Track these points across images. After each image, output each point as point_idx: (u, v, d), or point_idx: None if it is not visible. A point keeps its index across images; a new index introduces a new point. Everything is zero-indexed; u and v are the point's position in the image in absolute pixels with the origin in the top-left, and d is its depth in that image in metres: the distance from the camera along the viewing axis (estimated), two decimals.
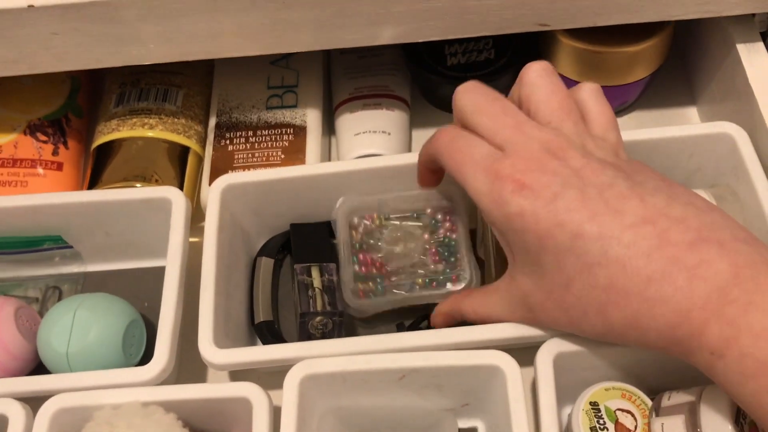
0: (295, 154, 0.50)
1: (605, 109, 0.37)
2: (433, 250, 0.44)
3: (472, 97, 0.37)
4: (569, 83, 0.51)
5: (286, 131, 0.51)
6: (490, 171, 0.34)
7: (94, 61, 0.44)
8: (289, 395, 0.37)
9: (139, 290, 0.48)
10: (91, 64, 0.44)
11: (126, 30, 0.42)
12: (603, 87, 0.50)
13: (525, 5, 0.42)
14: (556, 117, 0.35)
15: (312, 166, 0.47)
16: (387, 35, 0.44)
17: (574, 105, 0.36)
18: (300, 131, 0.51)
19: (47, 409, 0.38)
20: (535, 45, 0.53)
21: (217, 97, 0.54)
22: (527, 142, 0.34)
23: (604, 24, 0.44)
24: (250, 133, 0.51)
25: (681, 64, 0.56)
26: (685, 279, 0.30)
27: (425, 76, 0.53)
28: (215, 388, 0.39)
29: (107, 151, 0.51)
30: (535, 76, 0.36)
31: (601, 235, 0.31)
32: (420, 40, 0.44)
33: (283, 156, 0.50)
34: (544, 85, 0.36)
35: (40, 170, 0.52)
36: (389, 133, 0.51)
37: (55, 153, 0.52)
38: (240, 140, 0.51)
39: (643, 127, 0.47)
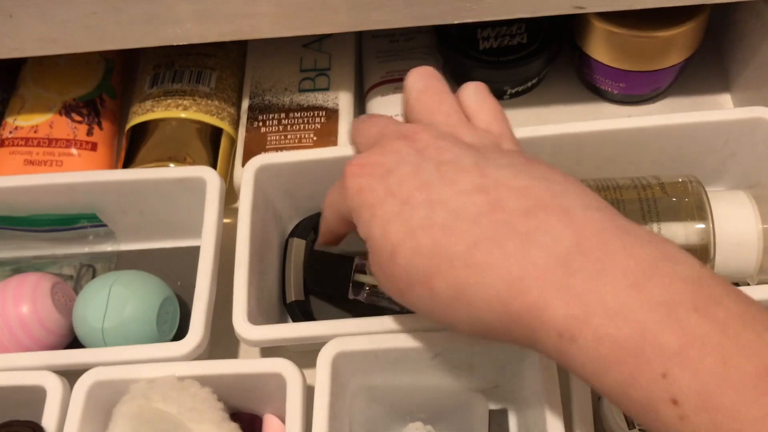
0: (327, 136, 0.50)
1: (487, 102, 0.36)
2: None
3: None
4: (602, 68, 0.51)
5: (318, 114, 0.51)
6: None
7: (133, 40, 0.45)
8: (322, 372, 0.38)
9: (172, 269, 0.49)
10: (129, 43, 0.45)
11: (163, 8, 0.43)
12: (635, 72, 0.51)
13: None
14: (426, 113, 0.35)
15: (344, 148, 0.47)
16: (423, 16, 0.44)
17: (447, 100, 0.35)
18: (332, 114, 0.51)
19: (84, 382, 0.39)
20: (568, 29, 0.53)
21: (250, 79, 0.54)
22: (388, 134, 0.34)
23: (641, 7, 0.44)
24: (283, 115, 0.52)
25: (715, 49, 0.55)
26: (516, 245, 0.27)
27: (457, 60, 0.53)
28: (250, 364, 0.40)
29: (141, 131, 0.51)
30: (411, 80, 0.36)
31: (429, 200, 0.29)
32: (456, 22, 0.44)
33: (315, 138, 0.50)
34: (415, 87, 0.36)
35: (74, 150, 0.52)
36: None
37: (89, 133, 0.53)
38: (273, 122, 0.52)
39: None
